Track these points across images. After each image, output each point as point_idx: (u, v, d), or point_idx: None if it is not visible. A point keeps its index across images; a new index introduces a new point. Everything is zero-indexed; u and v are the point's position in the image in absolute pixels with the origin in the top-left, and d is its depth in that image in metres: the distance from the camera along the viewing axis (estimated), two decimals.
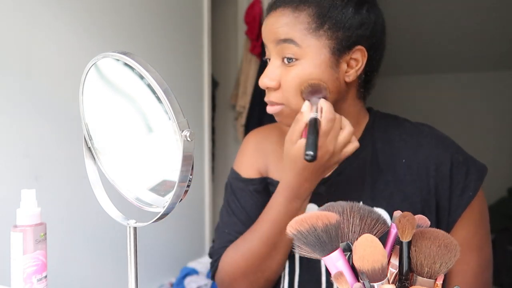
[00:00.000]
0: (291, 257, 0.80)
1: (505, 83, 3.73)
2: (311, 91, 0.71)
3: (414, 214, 0.73)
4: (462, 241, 0.73)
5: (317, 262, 0.78)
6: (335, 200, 0.77)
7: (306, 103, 0.70)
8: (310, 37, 0.71)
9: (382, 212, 0.73)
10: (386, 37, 0.79)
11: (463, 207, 0.73)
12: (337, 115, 0.69)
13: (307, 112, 0.69)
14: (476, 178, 0.74)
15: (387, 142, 0.79)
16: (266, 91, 0.76)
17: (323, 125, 0.67)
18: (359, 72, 0.74)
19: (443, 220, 0.74)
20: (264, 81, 0.74)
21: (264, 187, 0.86)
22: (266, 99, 0.76)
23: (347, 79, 0.74)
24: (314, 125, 0.66)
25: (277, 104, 0.75)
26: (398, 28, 3.28)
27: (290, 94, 0.73)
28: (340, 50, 0.72)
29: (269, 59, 0.76)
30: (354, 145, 0.71)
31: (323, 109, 0.68)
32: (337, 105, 0.76)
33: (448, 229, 0.74)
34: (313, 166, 0.69)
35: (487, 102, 3.79)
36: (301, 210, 0.74)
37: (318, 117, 0.67)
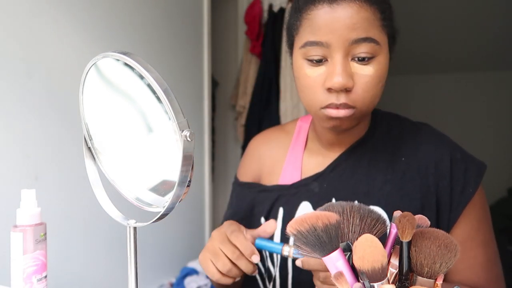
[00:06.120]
0: (283, 258, 0.79)
1: (505, 83, 3.73)
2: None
3: (414, 211, 0.73)
4: (467, 237, 0.73)
5: None
6: (327, 197, 0.77)
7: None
8: (383, 32, 0.66)
9: (380, 211, 0.73)
10: None
11: (464, 204, 0.73)
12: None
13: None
14: (475, 174, 0.74)
15: (387, 140, 0.79)
16: (334, 93, 0.65)
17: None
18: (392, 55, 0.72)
19: (444, 217, 0.74)
20: (343, 81, 0.63)
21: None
22: (337, 101, 0.65)
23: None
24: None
25: (351, 107, 0.66)
26: (398, 28, 3.28)
27: (366, 95, 0.65)
28: (393, 37, 0.69)
29: (326, 60, 0.66)
30: None
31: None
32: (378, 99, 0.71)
33: (449, 226, 0.73)
34: None
35: (487, 102, 3.79)
36: None
37: None
